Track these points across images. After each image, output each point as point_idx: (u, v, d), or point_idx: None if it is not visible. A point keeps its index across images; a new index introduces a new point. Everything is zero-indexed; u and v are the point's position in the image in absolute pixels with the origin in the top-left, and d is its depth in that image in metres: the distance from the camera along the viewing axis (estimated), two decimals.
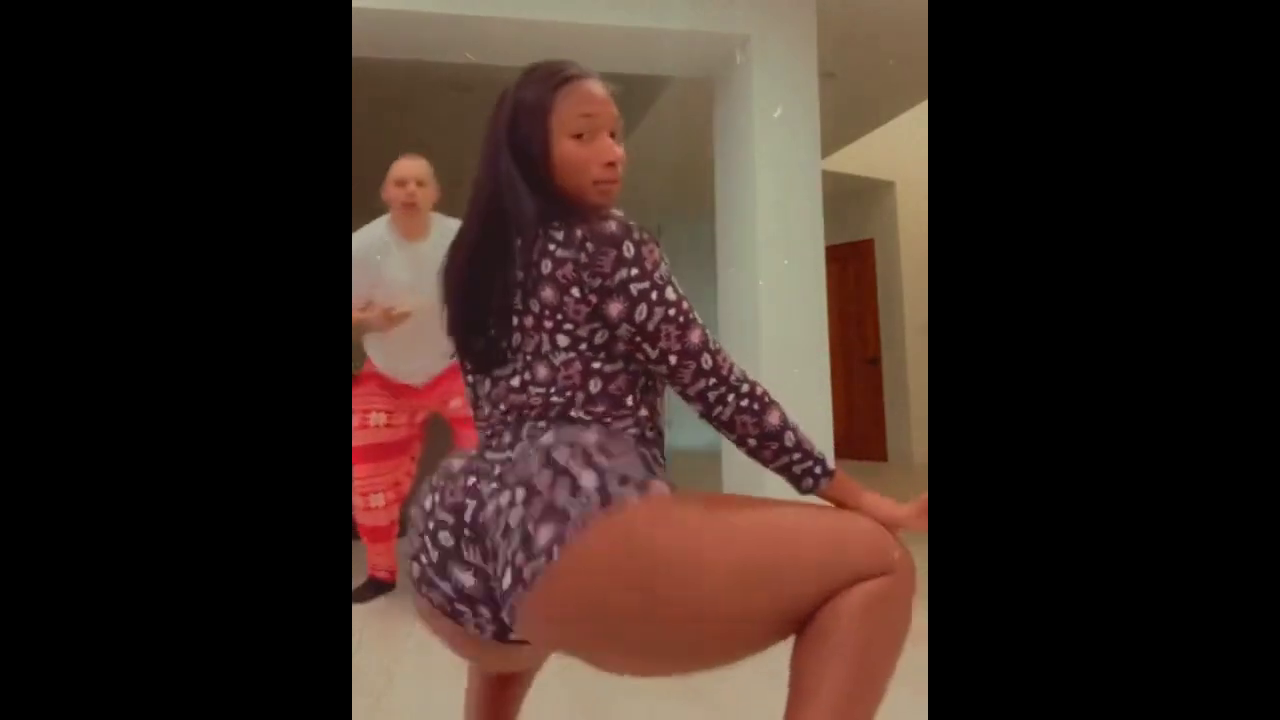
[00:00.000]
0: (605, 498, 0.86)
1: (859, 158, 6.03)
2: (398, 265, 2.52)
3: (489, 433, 1.02)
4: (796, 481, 0.99)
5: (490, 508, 0.92)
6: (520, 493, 0.90)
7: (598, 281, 0.94)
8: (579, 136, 1.01)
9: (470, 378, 1.06)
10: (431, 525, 0.98)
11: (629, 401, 0.99)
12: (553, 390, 0.97)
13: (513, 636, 0.96)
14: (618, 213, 0.98)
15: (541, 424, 0.96)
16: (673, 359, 0.95)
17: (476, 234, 1.02)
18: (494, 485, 0.94)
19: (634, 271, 0.94)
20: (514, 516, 0.89)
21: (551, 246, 0.95)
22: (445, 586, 0.96)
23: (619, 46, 3.40)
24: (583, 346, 0.96)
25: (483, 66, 3.53)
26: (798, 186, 3.40)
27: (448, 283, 1.07)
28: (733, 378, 0.96)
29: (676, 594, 0.85)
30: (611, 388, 0.98)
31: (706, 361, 0.96)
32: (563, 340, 0.96)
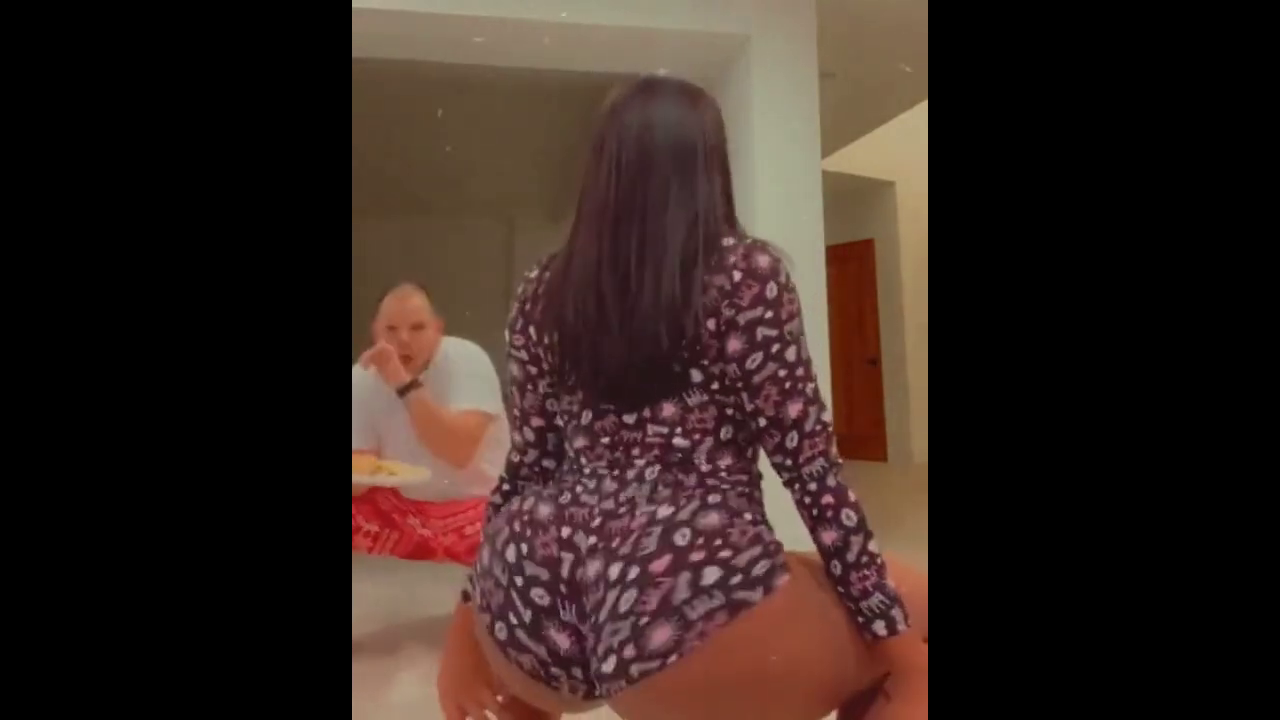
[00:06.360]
0: (727, 603, 0.81)
1: (859, 158, 6.03)
2: (394, 412, 2.12)
3: (585, 471, 0.95)
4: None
5: (591, 570, 0.86)
6: (633, 572, 0.83)
7: (731, 313, 0.88)
8: None
9: (569, 403, 0.98)
10: (520, 581, 0.89)
11: (750, 453, 0.94)
12: (678, 432, 0.91)
13: (599, 694, 0.91)
14: (774, 245, 0.93)
15: (654, 470, 0.91)
16: (761, 421, 0.89)
17: (628, 251, 0.92)
18: (593, 541, 0.87)
19: (767, 315, 0.89)
20: (625, 601, 0.83)
21: (707, 275, 0.90)
22: (539, 650, 0.88)
23: (619, 46, 3.40)
24: (715, 386, 0.91)
25: (483, 67, 3.53)
26: (798, 187, 3.41)
27: (563, 298, 0.95)
28: (806, 469, 0.88)
29: (777, 704, 0.86)
30: (741, 436, 0.93)
31: (791, 440, 0.89)
32: (697, 376, 0.90)
